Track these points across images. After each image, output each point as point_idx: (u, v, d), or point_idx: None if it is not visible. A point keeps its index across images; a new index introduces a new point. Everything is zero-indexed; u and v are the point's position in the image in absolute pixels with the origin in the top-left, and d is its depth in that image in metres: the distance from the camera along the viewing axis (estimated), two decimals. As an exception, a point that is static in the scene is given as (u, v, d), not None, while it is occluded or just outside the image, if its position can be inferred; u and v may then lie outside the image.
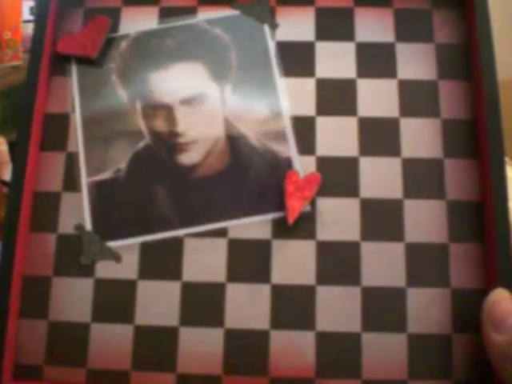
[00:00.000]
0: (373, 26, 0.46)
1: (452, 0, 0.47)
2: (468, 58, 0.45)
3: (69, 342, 0.42)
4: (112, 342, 0.42)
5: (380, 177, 0.43)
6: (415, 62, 0.46)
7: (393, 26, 0.46)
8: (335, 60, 0.46)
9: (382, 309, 0.41)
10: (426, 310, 0.41)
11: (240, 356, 0.41)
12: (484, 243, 0.42)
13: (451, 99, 0.45)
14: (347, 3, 0.47)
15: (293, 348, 0.41)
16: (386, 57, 0.46)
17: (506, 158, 0.42)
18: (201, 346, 0.41)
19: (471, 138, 0.44)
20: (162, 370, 0.41)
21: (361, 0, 0.47)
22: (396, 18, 0.47)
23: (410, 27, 0.46)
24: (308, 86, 0.46)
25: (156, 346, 0.41)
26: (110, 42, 0.47)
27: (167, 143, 0.45)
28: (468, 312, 0.41)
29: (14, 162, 0.44)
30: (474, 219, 0.42)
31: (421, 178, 0.43)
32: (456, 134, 0.44)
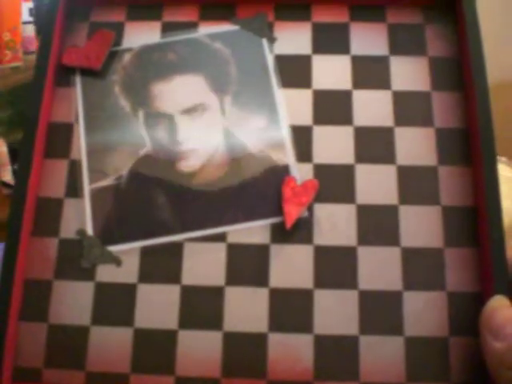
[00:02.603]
0: (367, 40, 0.48)
1: (444, 15, 0.49)
2: (460, 70, 0.47)
3: (68, 345, 0.42)
4: (111, 345, 0.42)
5: (376, 183, 0.44)
6: (409, 74, 0.47)
7: (387, 40, 0.48)
8: (331, 72, 0.47)
9: (379, 312, 0.42)
10: (423, 313, 0.41)
11: (238, 359, 0.41)
12: (479, 247, 0.43)
13: (444, 109, 0.46)
14: (343, 18, 0.49)
15: (291, 351, 0.41)
16: (381, 69, 0.47)
17: (504, 158, 0.43)
18: (199, 349, 0.41)
19: (464, 146, 0.45)
20: (161, 372, 0.41)
21: (356, 15, 0.49)
22: (390, 33, 0.48)
23: (404, 41, 0.48)
24: (305, 96, 0.47)
25: (155, 349, 0.42)
26: (114, 55, 0.49)
27: (168, 151, 0.46)
28: (464, 315, 0.41)
29: (18, 169, 0.45)
30: (468, 224, 0.43)
31: (415, 185, 0.44)
32: (449, 142, 0.45)
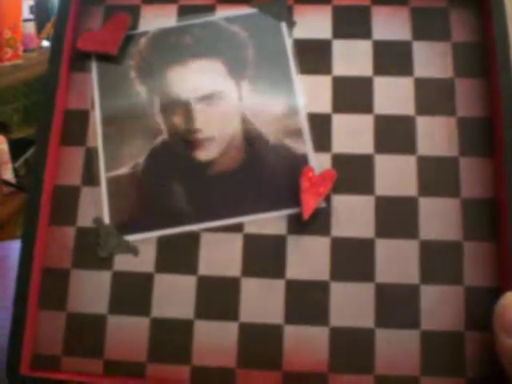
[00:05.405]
0: (390, 25, 0.47)
1: (469, -1, 0.47)
2: (484, 57, 0.45)
3: (86, 333, 0.43)
4: (128, 333, 0.42)
5: (395, 174, 0.44)
6: (432, 60, 0.46)
7: (409, 25, 0.47)
8: (352, 58, 0.46)
9: (396, 305, 0.42)
10: (439, 307, 0.41)
11: (254, 350, 0.42)
12: (498, 241, 0.42)
13: (467, 97, 0.45)
14: (364, 1, 0.47)
15: (306, 343, 0.41)
16: (403, 55, 0.46)
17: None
18: (215, 339, 0.42)
19: (487, 136, 0.44)
20: (177, 362, 0.42)
21: (378, -2, 0.48)
22: (413, 17, 0.47)
23: (427, 25, 0.46)
24: (324, 83, 0.46)
25: (171, 339, 0.42)
26: (130, 39, 0.48)
27: (184, 139, 0.45)
28: (481, 310, 0.41)
29: (33, 157, 0.45)
30: (488, 217, 0.43)
31: (436, 176, 0.43)
32: (471, 132, 0.44)
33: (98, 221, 0.44)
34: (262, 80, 0.46)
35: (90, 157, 0.46)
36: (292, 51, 0.47)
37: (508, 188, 0.41)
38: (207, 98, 0.46)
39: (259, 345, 0.42)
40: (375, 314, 0.42)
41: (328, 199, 0.43)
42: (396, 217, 0.43)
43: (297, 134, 0.45)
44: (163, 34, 0.48)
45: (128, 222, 0.44)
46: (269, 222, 0.43)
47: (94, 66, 0.48)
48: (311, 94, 0.46)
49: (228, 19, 0.48)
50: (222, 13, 0.48)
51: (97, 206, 0.45)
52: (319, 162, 0.44)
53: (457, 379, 0.40)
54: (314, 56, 0.47)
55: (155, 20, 0.49)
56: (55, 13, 0.47)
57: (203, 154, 0.45)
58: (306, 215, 0.42)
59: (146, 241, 0.44)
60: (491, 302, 0.39)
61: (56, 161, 0.46)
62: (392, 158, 0.44)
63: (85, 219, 0.45)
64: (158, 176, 0.45)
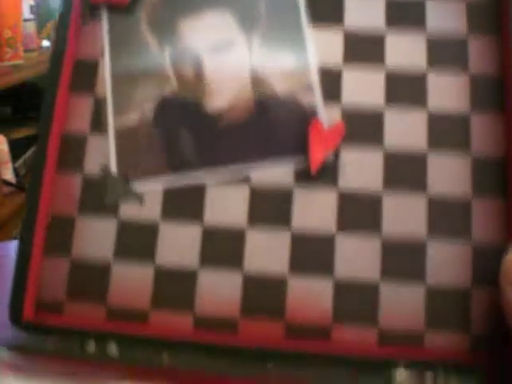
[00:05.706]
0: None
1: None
2: (499, 13, 0.45)
3: (90, 279, 0.43)
4: (132, 281, 0.42)
5: (405, 129, 0.43)
6: (445, 17, 0.45)
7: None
8: (365, 10, 0.46)
9: (402, 260, 0.41)
10: (446, 263, 0.41)
11: (257, 300, 0.41)
12: (507, 198, 0.41)
13: (480, 54, 0.44)
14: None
15: (310, 294, 0.41)
16: (415, 12, 0.46)
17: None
18: (219, 289, 0.42)
19: (498, 92, 0.43)
20: (180, 310, 0.42)
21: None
22: None
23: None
24: (336, 36, 0.45)
25: (175, 287, 0.42)
26: (141, -10, 0.48)
27: (193, 90, 0.45)
28: (488, 267, 0.40)
29: (42, 104, 0.45)
30: (498, 175, 0.42)
31: (446, 132, 0.43)
32: (483, 88, 0.43)
33: (104, 169, 0.44)
34: (273, 33, 0.46)
35: (99, 105, 0.46)
36: (304, 3, 0.46)
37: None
38: (217, 50, 0.46)
39: (263, 296, 0.41)
40: (381, 267, 0.41)
41: (336, 153, 0.43)
42: (405, 171, 0.42)
43: (307, 87, 0.45)
44: (174, -14, 0.48)
45: (135, 171, 0.44)
46: (276, 174, 0.43)
47: (105, 17, 0.48)
48: (322, 47, 0.45)
49: None
50: (234, -36, 0.48)
51: (104, 154, 0.45)
52: (329, 116, 0.44)
53: (461, 336, 0.40)
54: (326, 8, 0.46)
55: (167, -29, 0.48)
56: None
57: (212, 106, 0.45)
58: (314, 168, 0.42)
59: (152, 190, 0.44)
60: (499, 260, 0.39)
61: (65, 109, 0.45)
62: (402, 112, 0.43)
63: (92, 167, 0.44)
64: (167, 126, 0.45)
